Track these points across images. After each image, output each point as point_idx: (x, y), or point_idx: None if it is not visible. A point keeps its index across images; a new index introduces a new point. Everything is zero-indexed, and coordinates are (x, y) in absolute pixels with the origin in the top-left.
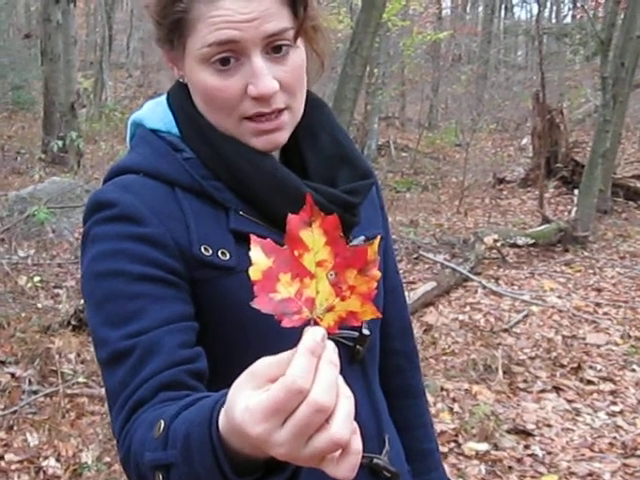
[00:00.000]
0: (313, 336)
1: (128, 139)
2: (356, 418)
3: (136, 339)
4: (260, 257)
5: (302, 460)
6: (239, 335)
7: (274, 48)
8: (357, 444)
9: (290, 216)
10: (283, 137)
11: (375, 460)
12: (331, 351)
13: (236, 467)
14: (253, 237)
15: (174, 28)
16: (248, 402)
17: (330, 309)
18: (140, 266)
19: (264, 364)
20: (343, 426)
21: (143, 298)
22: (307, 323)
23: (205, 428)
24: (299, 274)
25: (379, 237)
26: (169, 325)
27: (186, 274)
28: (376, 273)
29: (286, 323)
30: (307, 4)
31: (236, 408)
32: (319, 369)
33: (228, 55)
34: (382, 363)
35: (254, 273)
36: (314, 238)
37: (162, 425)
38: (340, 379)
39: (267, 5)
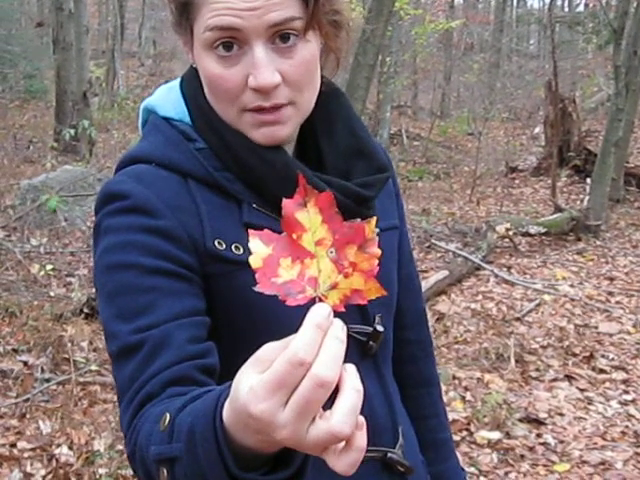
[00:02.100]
0: (319, 311)
1: (140, 126)
2: (370, 412)
3: (146, 333)
4: (259, 247)
5: (306, 447)
6: (251, 330)
7: (281, 37)
8: (361, 441)
9: (284, 200)
10: (284, 132)
11: (389, 454)
12: (338, 327)
13: (240, 461)
14: (250, 230)
15: (182, 11)
16: (252, 382)
17: (334, 286)
18: (152, 259)
19: (268, 348)
20: (344, 419)
21: (154, 292)
22: (312, 302)
23: (209, 419)
24: (299, 256)
25: (375, 217)
26: (180, 320)
27: (199, 268)
28: (376, 250)
29: (291, 302)
30: None
31: (240, 391)
32: (324, 343)
33: (230, 41)
34: (396, 352)
35: (254, 261)
36: (310, 218)
37: (168, 418)
38: (354, 370)
39: None
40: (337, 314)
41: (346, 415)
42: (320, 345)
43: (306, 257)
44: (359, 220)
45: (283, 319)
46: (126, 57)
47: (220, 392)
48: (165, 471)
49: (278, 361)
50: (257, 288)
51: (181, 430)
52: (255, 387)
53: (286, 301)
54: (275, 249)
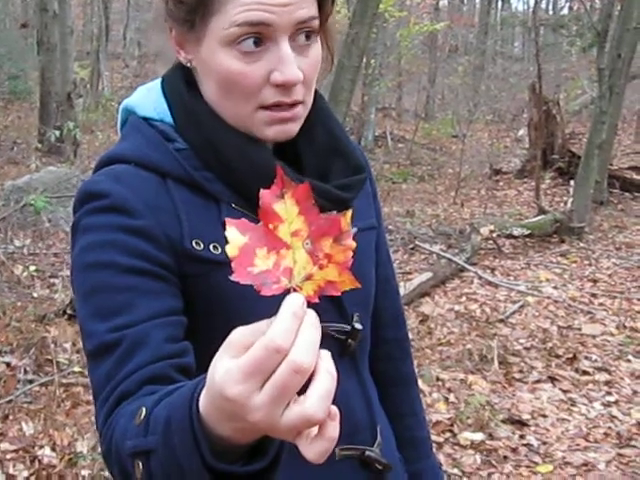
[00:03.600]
0: (294, 300)
1: (119, 126)
2: (349, 411)
3: (123, 332)
4: (235, 236)
5: (279, 431)
6: (230, 329)
7: (305, 35)
8: (333, 431)
9: (262, 191)
10: (295, 129)
11: (367, 452)
12: (313, 316)
13: (216, 452)
14: (227, 219)
15: (199, 6)
16: (228, 366)
17: (309, 278)
18: (130, 258)
19: (240, 333)
20: (318, 403)
21: (132, 291)
22: (287, 292)
23: (185, 410)
24: (275, 247)
25: (351, 210)
26: (157, 319)
27: (176, 268)
28: (351, 243)
29: (265, 292)
30: None
31: (216, 374)
32: (300, 331)
33: (257, 37)
34: (373, 351)
35: (231, 250)
36: (287, 209)
37: (143, 412)
38: (328, 356)
39: None
40: (316, 311)
41: (320, 399)
42: (297, 333)
43: (282, 248)
44: (335, 212)
45: (260, 312)
46: (111, 58)
47: (196, 384)
48: (141, 464)
49: (255, 347)
50: (233, 277)
51: (157, 422)
52: (231, 370)
53: (261, 291)
54: (251, 239)
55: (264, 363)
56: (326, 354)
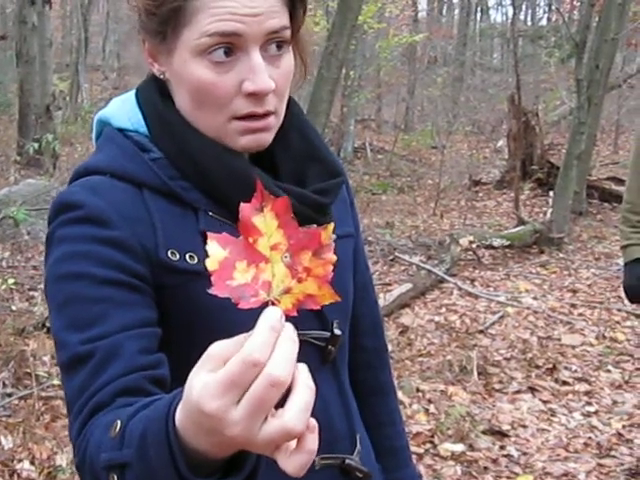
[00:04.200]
0: (272, 313)
1: (94, 138)
2: (328, 419)
3: (97, 343)
4: (216, 250)
5: (257, 445)
6: (209, 340)
7: (276, 45)
8: (312, 444)
9: (242, 204)
10: (268, 139)
11: (347, 461)
12: (290, 330)
13: (192, 466)
14: (209, 233)
15: (170, 17)
16: (205, 380)
17: (287, 291)
18: (104, 269)
19: (217, 347)
20: (297, 416)
21: (106, 302)
22: (265, 305)
23: (162, 423)
24: (254, 260)
25: (332, 224)
26: (131, 331)
27: (151, 279)
28: (331, 257)
29: (243, 305)
30: (305, 7)
31: (193, 389)
32: (277, 344)
33: (228, 47)
34: (352, 360)
35: (211, 264)
36: (266, 222)
37: (119, 425)
38: (306, 369)
39: (272, 2)
40: (295, 319)
41: (299, 412)
42: (274, 346)
43: (261, 261)
44: (315, 226)
45: (237, 324)
46: (90, 70)
47: (172, 397)
48: (115, 477)
49: (232, 361)
50: (212, 290)
51: (132, 436)
52: (209, 384)
53: (239, 304)
54: (231, 252)
55: (241, 377)
56: (304, 367)
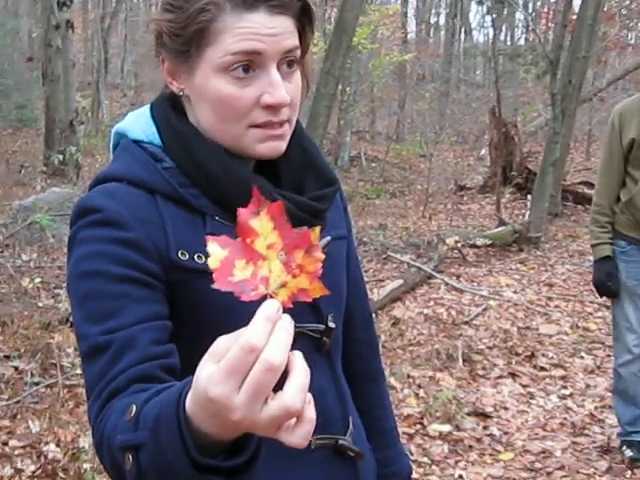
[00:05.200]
0: (269, 306)
1: (111, 148)
2: (323, 404)
3: (113, 335)
4: (217, 250)
5: (260, 427)
6: (213, 334)
7: (288, 63)
8: (310, 413)
9: (239, 209)
10: (283, 146)
11: (340, 441)
12: (286, 320)
13: (200, 447)
14: (209, 236)
15: (194, 38)
16: (210, 370)
17: (283, 285)
18: (120, 268)
19: (222, 340)
20: (295, 396)
21: (122, 298)
22: (264, 298)
23: (173, 408)
24: (252, 258)
25: (319, 226)
26: (144, 323)
27: (163, 277)
28: (320, 255)
29: (244, 298)
30: (313, 30)
31: (200, 378)
32: (273, 333)
33: (248, 64)
34: (346, 351)
35: (213, 262)
36: (263, 225)
37: (134, 409)
38: (300, 355)
39: (287, 23)
40: (293, 313)
41: (297, 392)
42: (270, 335)
43: (259, 259)
44: (305, 228)
45: (240, 317)
46: (110, 88)
47: (183, 386)
48: (130, 457)
49: (232, 348)
50: (214, 285)
51: (147, 419)
52: (213, 373)
53: (240, 297)
54: (231, 252)
55: (240, 363)
56: (299, 354)
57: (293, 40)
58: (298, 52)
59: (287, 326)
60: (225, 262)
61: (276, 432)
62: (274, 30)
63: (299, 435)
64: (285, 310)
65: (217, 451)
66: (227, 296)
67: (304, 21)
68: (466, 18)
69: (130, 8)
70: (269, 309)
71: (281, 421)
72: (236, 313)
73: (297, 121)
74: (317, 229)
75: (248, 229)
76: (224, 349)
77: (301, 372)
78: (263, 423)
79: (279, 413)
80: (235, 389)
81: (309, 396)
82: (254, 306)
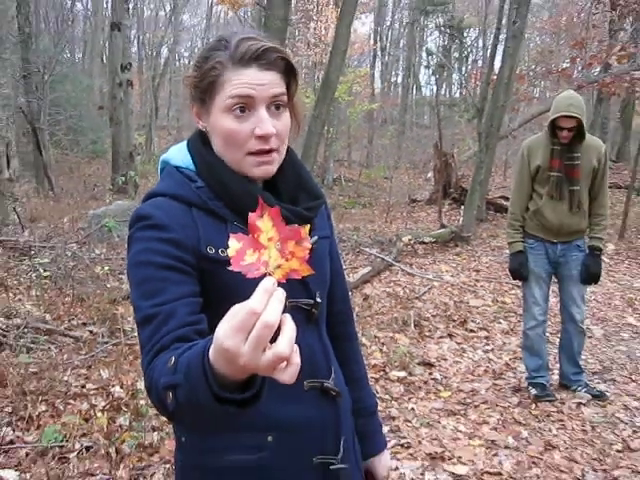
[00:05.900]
0: (267, 281)
1: (159, 172)
2: (312, 357)
3: (160, 307)
4: (234, 243)
5: (261, 369)
6: (229, 304)
7: (275, 106)
8: (296, 359)
9: (250, 214)
10: (273, 169)
11: (325, 384)
12: (280, 292)
13: (220, 385)
14: (231, 234)
15: (207, 88)
16: (225, 327)
17: (279, 267)
18: (164, 259)
19: (234, 307)
20: (285, 346)
21: (166, 281)
22: (264, 276)
23: (200, 357)
24: (257, 248)
25: (309, 225)
26: (182, 299)
27: (196, 266)
28: (308, 244)
29: (250, 275)
30: (297, 81)
31: (218, 333)
32: (269, 301)
33: (244, 105)
34: (330, 319)
35: (231, 252)
36: (265, 224)
37: (173, 359)
38: (289, 317)
39: (275, 77)
40: (289, 289)
41: (287, 343)
42: (267, 303)
43: (262, 249)
44: (296, 225)
45: (247, 292)
46: (159, 129)
47: (207, 341)
48: (170, 394)
49: (240, 312)
50: (230, 267)
51: (181, 366)
52: (226, 330)
53: (247, 275)
54: (243, 244)
55: (245, 322)
56: (289, 316)
57: (279, 88)
58: (284, 98)
59: (280, 296)
60: (239, 251)
61: (272, 372)
62: (263, 81)
63: (289, 373)
64: (280, 285)
65: (233, 388)
66: (238, 277)
67: (290, 75)
68: (417, 78)
69: (174, 71)
70: (267, 284)
71: (276, 364)
72: (244, 290)
73: (292, 151)
74: (307, 227)
75: (255, 227)
76: (235, 313)
77: (290, 329)
78: (263, 366)
79: (274, 358)
80: (242, 341)
81: (296, 347)
82: (257, 283)
